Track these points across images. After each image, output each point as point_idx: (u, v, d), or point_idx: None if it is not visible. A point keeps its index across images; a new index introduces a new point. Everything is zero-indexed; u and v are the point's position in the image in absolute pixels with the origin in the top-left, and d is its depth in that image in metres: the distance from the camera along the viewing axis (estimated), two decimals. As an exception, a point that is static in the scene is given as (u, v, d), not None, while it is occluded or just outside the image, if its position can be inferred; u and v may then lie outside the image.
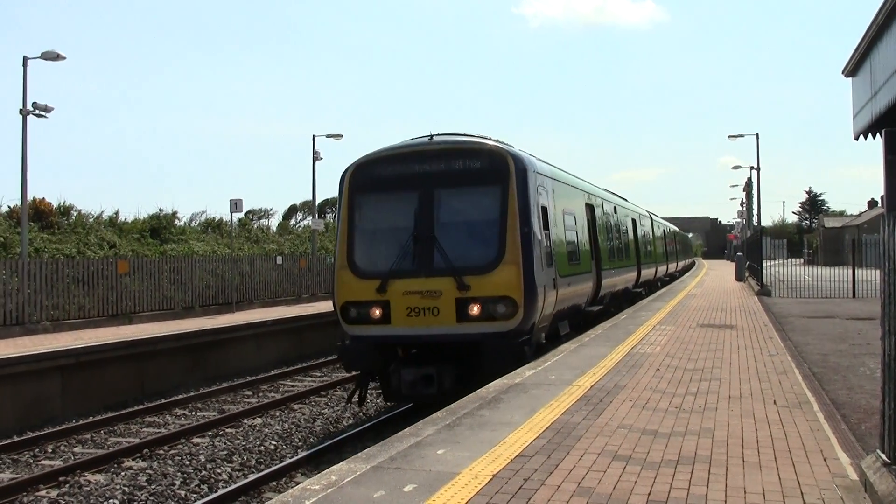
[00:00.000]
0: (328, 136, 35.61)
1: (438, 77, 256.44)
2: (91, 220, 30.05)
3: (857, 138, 6.13)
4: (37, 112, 22.75)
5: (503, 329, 11.28)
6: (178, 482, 10.36)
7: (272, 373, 19.06)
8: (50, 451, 12.30)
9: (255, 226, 42.35)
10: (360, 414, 14.15)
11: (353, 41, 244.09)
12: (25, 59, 22.32)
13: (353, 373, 12.87)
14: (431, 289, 11.38)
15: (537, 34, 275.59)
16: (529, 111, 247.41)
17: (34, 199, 27.08)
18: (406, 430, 7.28)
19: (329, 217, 52.43)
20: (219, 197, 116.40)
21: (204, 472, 10.77)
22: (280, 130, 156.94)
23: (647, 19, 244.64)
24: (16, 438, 12.83)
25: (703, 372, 10.37)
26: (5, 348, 15.74)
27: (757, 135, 39.56)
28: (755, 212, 45.73)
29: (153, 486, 10.18)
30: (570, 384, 9.39)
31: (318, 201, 42.16)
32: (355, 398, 12.75)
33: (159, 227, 31.67)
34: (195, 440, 12.56)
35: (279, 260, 29.79)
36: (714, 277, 43.67)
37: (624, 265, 21.47)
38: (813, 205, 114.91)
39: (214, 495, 9.59)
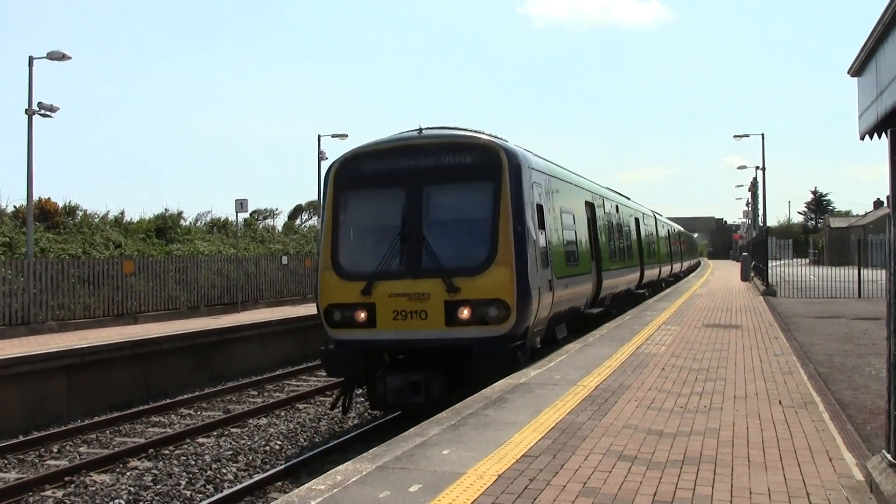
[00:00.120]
0: (333, 135, 35.61)
1: (444, 77, 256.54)
2: (96, 219, 30.11)
3: (862, 138, 6.10)
4: (42, 112, 22.79)
5: (495, 333, 10.74)
6: (183, 482, 10.38)
7: (277, 373, 19.08)
8: (55, 450, 12.33)
9: (261, 226, 42.35)
10: (366, 414, 14.15)
11: (358, 41, 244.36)
12: (31, 59, 22.37)
13: (339, 379, 12.32)
14: (419, 291, 10.88)
15: (542, 34, 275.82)
16: (534, 111, 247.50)
17: (40, 199, 27.14)
18: (411, 430, 7.27)
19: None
20: (224, 197, 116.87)
21: (209, 472, 10.79)
22: (286, 131, 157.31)
23: (653, 19, 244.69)
24: (21, 438, 12.86)
25: (709, 372, 10.35)
26: (11, 348, 15.78)
27: (762, 135, 39.70)
28: (760, 212, 45.78)
29: (158, 486, 10.20)
30: (576, 384, 9.38)
31: (322, 201, 42.05)
32: (339, 406, 12.24)
33: (165, 226, 31.71)
34: (200, 440, 12.57)
35: (284, 260, 29.83)
36: (719, 277, 43.60)
37: (626, 266, 21.05)
38: (818, 205, 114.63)
39: (220, 495, 9.61)
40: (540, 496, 5.31)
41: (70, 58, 22.42)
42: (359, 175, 11.77)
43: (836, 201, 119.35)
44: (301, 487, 5.73)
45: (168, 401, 15.72)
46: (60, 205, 29.16)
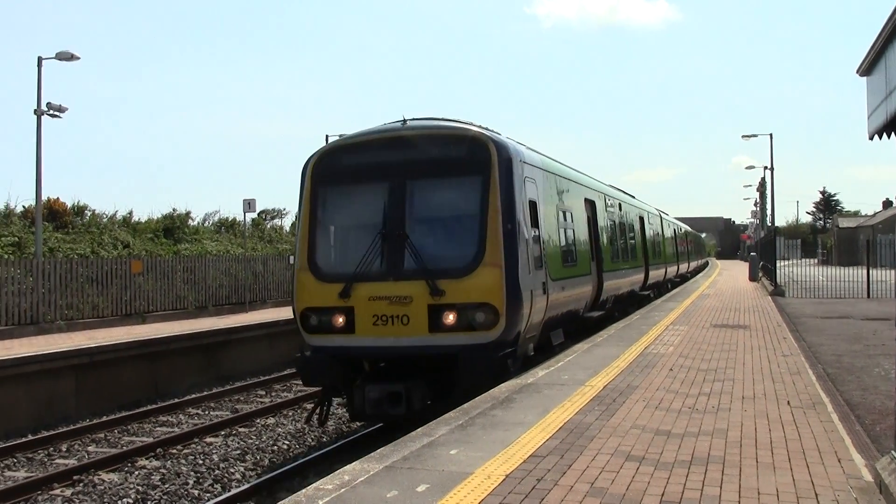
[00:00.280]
0: (341, 136, 35.62)
1: (451, 76, 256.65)
2: (105, 219, 30.21)
3: (871, 138, 6.08)
4: (51, 112, 22.90)
5: (482, 340, 9.94)
6: (191, 481, 10.41)
7: (285, 372, 19.08)
8: (64, 449, 12.38)
9: (269, 226, 42.39)
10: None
11: (365, 41, 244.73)
12: (40, 59, 22.49)
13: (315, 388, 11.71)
14: (401, 294, 10.08)
15: (550, 34, 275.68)
16: (541, 111, 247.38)
17: (48, 199, 27.24)
18: (419, 430, 7.28)
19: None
20: (232, 197, 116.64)
21: (217, 472, 10.82)
22: (294, 131, 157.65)
23: (661, 19, 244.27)
24: (30, 437, 12.92)
25: (717, 372, 10.33)
26: (20, 347, 15.85)
27: (771, 135, 39.50)
28: (769, 212, 45.55)
29: (167, 486, 10.23)
30: (583, 384, 9.37)
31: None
32: (315, 418, 11.57)
33: (173, 226, 31.81)
34: (208, 439, 12.61)
35: (292, 260, 29.79)
36: (727, 278, 43.48)
37: (630, 266, 20.24)
38: (827, 205, 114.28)
39: (227, 494, 9.64)
40: (548, 496, 5.30)
41: (79, 58, 22.54)
42: (338, 169, 11.07)
43: (844, 201, 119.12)
44: (308, 487, 5.73)
45: (176, 400, 15.77)
46: (69, 205, 29.28)
